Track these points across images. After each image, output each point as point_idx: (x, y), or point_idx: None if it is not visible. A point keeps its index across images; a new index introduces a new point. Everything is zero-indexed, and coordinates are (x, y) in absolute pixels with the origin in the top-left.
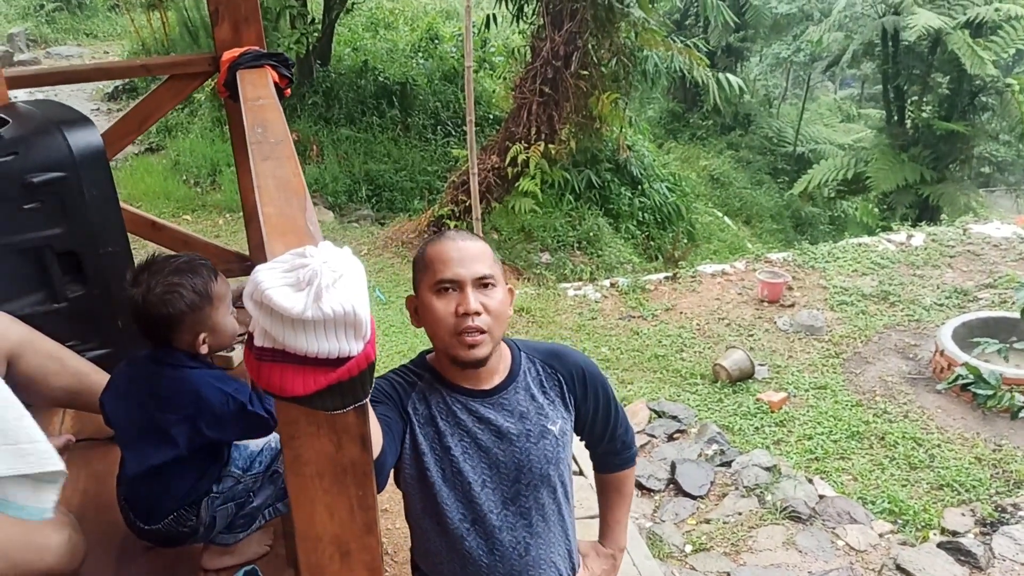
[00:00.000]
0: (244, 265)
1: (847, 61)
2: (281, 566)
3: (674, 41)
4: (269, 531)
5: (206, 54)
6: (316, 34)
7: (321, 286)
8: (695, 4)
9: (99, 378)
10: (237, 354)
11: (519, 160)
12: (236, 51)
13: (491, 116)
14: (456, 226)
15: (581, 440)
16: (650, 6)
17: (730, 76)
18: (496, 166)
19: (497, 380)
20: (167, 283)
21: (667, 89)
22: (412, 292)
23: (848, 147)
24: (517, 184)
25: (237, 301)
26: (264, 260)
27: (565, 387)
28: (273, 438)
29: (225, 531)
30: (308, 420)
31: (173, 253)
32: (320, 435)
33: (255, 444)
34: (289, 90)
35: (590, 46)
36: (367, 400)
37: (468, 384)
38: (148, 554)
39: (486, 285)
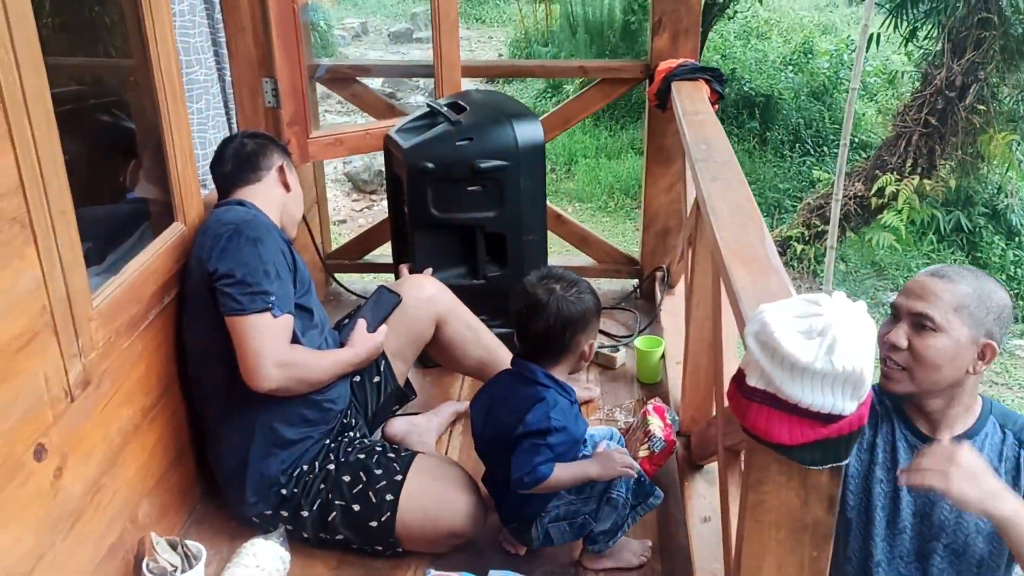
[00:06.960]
0: (632, 269)
1: None
2: None
3: None
4: (647, 544)
5: (639, 61)
6: None
7: (836, 339)
8: None
9: (504, 355)
10: (621, 355)
11: (887, 191)
12: (673, 62)
13: (856, 140)
14: (804, 251)
15: None
16: None
17: None
18: (859, 194)
19: (948, 435)
20: (576, 286)
21: None
22: None
23: None
24: (880, 216)
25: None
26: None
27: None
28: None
29: (590, 544)
30: (779, 469)
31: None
32: (789, 487)
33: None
34: (717, 106)
35: (992, 79)
36: (846, 462)
37: (922, 427)
38: None
39: (923, 327)
